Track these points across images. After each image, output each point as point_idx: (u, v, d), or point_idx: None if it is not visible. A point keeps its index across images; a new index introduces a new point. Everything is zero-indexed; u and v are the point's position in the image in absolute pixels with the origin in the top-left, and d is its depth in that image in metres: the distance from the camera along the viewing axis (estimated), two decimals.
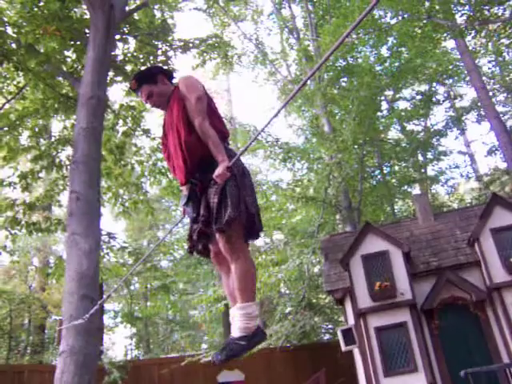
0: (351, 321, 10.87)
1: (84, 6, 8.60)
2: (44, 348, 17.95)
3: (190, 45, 10.87)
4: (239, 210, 2.63)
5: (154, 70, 3.19)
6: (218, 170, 2.58)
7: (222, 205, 2.64)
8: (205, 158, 2.74)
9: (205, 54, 11.45)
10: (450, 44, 19.50)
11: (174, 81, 3.13)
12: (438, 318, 10.37)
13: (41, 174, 10.19)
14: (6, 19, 8.44)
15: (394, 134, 22.24)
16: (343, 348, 10.62)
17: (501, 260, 10.16)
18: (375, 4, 1.84)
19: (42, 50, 8.52)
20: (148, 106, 3.06)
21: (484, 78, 18.69)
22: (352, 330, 10.52)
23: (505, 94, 20.86)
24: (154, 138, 10.87)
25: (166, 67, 3.11)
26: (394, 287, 10.27)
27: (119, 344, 24.29)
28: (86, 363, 5.45)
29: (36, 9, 8.21)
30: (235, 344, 2.56)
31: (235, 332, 2.59)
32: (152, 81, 3.00)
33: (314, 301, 17.38)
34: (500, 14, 12.17)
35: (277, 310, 16.48)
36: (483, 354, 9.96)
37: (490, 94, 18.25)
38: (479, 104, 18.07)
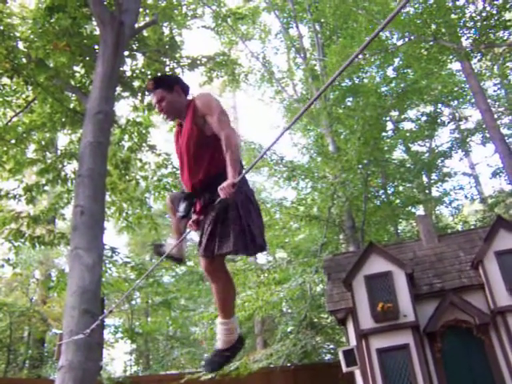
0: (353, 341, 10.77)
1: (94, 23, 8.73)
2: (43, 362, 17.81)
3: (198, 62, 10.97)
4: (237, 245, 2.62)
5: (174, 79, 3.19)
6: (224, 184, 2.51)
7: (215, 233, 2.66)
8: (213, 178, 2.73)
9: (212, 72, 11.56)
10: (455, 66, 19.59)
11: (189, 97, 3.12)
12: (441, 341, 10.26)
13: (46, 188, 10.23)
14: (18, 34, 8.57)
15: (398, 154, 22.26)
16: (344, 369, 10.51)
17: (505, 283, 10.08)
18: (383, 27, 1.87)
19: (51, 65, 8.63)
20: (156, 110, 3.06)
21: (489, 100, 18.73)
22: (354, 351, 10.42)
23: (510, 117, 20.89)
24: (159, 154, 10.91)
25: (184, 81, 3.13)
26: (396, 308, 10.19)
27: (119, 359, 24.07)
28: (85, 379, 5.40)
29: (47, 25, 8.33)
30: (221, 356, 2.92)
31: (220, 345, 2.92)
32: (168, 88, 2.99)
33: (316, 320, 17.23)
34: (505, 38, 12.27)
35: (278, 328, 16.36)
36: (486, 378, 9.84)
37: (495, 116, 18.28)
38: (484, 126, 18.10)
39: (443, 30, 12.42)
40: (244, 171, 2.67)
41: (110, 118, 7.48)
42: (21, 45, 8.58)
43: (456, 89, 20.27)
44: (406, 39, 13.35)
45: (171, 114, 2.99)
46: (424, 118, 21.40)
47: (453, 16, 12.43)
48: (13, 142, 9.64)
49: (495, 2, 11.62)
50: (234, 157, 2.62)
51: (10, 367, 16.91)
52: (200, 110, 2.81)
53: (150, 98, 3.17)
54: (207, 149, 2.77)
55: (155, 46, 10.13)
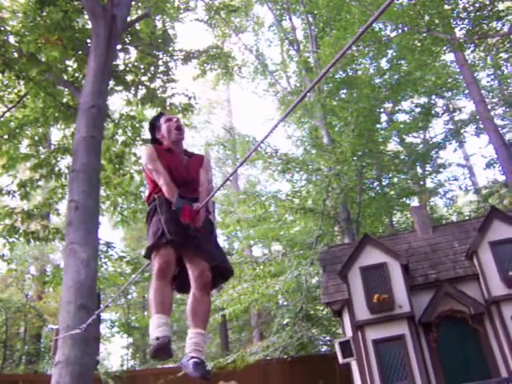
0: (349, 333, 10.82)
1: (86, 16, 8.66)
2: (39, 357, 17.81)
3: (191, 55, 10.93)
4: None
5: None
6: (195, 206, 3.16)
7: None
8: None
9: (205, 65, 11.51)
10: (449, 57, 19.59)
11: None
12: (436, 331, 10.32)
13: (40, 183, 10.19)
14: (8, 28, 8.49)
15: (393, 146, 22.28)
16: (341, 360, 10.55)
17: (499, 273, 10.13)
18: (376, 18, 1.86)
19: (43, 59, 8.56)
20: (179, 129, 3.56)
21: (483, 91, 18.74)
22: (350, 343, 10.46)
23: (503, 108, 20.91)
24: None
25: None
26: (392, 300, 10.23)
27: (115, 354, 24.14)
28: (83, 374, 5.41)
29: (38, 18, 8.26)
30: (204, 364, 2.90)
31: (199, 354, 2.91)
32: None
33: (312, 312, 17.29)
34: (499, 29, 12.27)
35: (274, 321, 16.40)
36: (481, 367, 9.90)
37: (489, 107, 18.30)
38: (478, 117, 18.14)
39: (436, 21, 12.40)
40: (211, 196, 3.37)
41: (104, 112, 7.46)
42: (12, 39, 8.50)
43: (450, 80, 20.27)
44: (400, 30, 13.33)
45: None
46: (418, 110, 21.39)
47: (446, 7, 12.41)
48: (6, 137, 9.58)
49: None
50: (206, 197, 3.37)
51: (7, 363, 16.89)
52: (207, 163, 3.70)
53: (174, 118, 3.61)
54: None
55: (148, 40, 10.07)
